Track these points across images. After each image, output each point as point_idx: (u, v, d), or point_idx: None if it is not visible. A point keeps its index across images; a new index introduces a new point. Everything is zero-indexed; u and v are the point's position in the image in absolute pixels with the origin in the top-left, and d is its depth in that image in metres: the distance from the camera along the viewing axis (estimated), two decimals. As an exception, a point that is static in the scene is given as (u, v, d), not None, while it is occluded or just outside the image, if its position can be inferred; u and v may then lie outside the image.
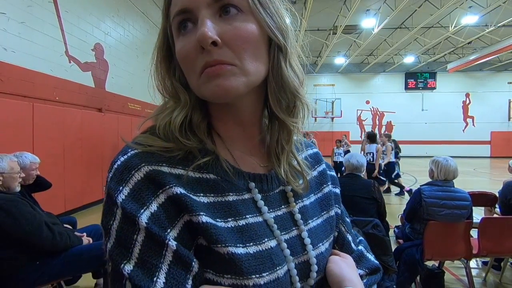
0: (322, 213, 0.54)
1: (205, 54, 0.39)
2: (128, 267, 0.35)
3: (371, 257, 0.57)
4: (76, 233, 2.28)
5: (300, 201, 0.51)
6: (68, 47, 5.46)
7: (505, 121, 18.58)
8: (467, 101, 19.11)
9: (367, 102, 19.43)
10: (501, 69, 18.22)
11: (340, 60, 17.39)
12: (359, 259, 0.55)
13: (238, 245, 0.40)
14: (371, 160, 6.69)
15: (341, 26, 11.23)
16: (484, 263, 3.27)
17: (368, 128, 19.06)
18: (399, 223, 3.77)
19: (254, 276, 0.39)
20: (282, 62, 0.44)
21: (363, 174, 2.90)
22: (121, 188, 0.38)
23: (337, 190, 0.59)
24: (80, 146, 5.44)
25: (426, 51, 15.69)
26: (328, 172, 0.60)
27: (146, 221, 0.36)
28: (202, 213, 0.39)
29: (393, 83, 19.24)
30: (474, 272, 3.24)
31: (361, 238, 0.62)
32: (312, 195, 0.54)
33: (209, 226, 0.39)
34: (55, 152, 4.79)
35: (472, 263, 3.41)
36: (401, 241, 2.83)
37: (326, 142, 16.03)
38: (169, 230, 0.37)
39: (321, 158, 0.61)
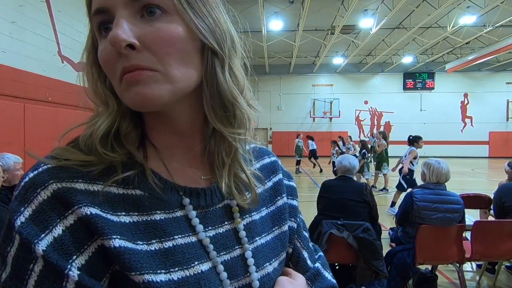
0: (274, 229, 0.49)
1: (123, 58, 0.35)
2: None
3: (328, 275, 0.53)
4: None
5: (247, 216, 0.47)
6: (61, 47, 5.41)
7: (504, 122, 18.57)
8: (466, 101, 19.09)
9: (366, 102, 19.40)
10: (500, 69, 18.20)
11: (338, 60, 17.36)
12: (314, 278, 0.51)
13: (159, 271, 0.36)
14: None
15: (339, 26, 11.19)
16: (479, 266, 3.24)
17: (366, 129, 19.05)
18: (395, 225, 3.74)
19: None
20: (217, 68, 0.40)
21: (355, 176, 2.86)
22: (22, 209, 0.33)
23: (294, 202, 0.55)
24: (73, 147, 5.38)
25: (424, 51, 15.66)
26: (286, 182, 0.55)
27: (44, 248, 0.32)
28: (115, 236, 0.35)
29: (392, 83, 19.21)
30: (468, 276, 3.21)
31: (320, 253, 0.57)
32: (264, 208, 0.50)
33: (123, 251, 0.34)
34: (47, 152, 4.74)
35: (467, 266, 3.38)
36: (393, 244, 2.79)
37: (324, 143, 15.97)
38: (74, 257, 0.33)
39: (279, 167, 0.56)
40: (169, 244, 0.38)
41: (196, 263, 0.39)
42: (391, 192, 7.62)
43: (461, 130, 19.03)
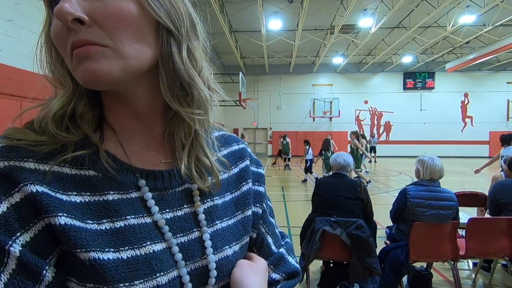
0: (236, 213, 0.50)
1: (72, 33, 0.35)
2: None
3: (291, 260, 0.53)
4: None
5: (209, 200, 0.47)
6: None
7: (504, 121, 18.51)
8: (466, 101, 19.05)
9: (366, 102, 19.38)
10: (500, 69, 18.16)
11: (338, 60, 17.35)
12: (277, 262, 0.52)
13: (107, 249, 0.36)
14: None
15: (338, 25, 11.17)
16: (475, 265, 3.22)
17: (366, 128, 19.03)
18: (391, 224, 3.73)
19: (122, 285, 0.35)
20: (173, 48, 0.40)
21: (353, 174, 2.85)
22: None
23: (261, 188, 0.54)
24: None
25: (424, 51, 15.63)
26: (253, 169, 0.55)
27: None
28: (61, 214, 0.34)
29: (392, 83, 19.19)
30: (463, 274, 3.19)
31: (287, 240, 0.57)
32: (228, 193, 0.50)
33: (68, 228, 0.34)
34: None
35: (463, 264, 3.36)
36: (388, 242, 2.78)
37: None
38: (18, 234, 0.33)
39: (246, 154, 0.56)
40: (120, 224, 0.38)
41: (148, 243, 0.39)
42: (390, 191, 7.59)
43: (461, 130, 19.00)
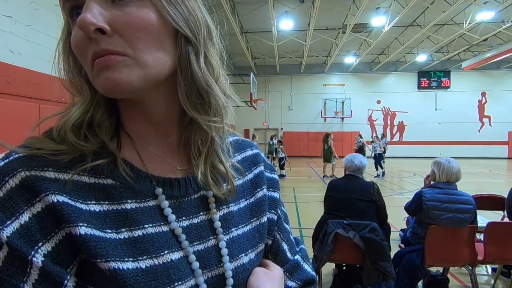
0: (252, 220, 0.49)
1: (93, 43, 0.35)
2: None
3: (307, 267, 0.53)
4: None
5: (224, 207, 0.47)
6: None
7: (524, 121, 17.90)
8: (483, 100, 18.49)
9: (378, 101, 19.07)
10: (520, 66, 17.57)
11: (350, 60, 17.14)
12: (293, 270, 0.51)
13: (127, 259, 0.36)
14: None
15: (350, 24, 11.05)
16: (494, 270, 3.12)
17: (379, 129, 18.73)
18: (405, 226, 3.65)
19: None
20: (191, 56, 0.40)
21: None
22: None
23: (275, 194, 0.54)
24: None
25: (440, 49, 15.26)
26: (267, 174, 0.55)
27: (8, 235, 0.32)
28: (81, 224, 0.35)
29: (405, 82, 18.81)
30: (482, 279, 3.09)
31: (301, 246, 0.57)
32: (243, 200, 0.50)
33: (88, 238, 0.35)
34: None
35: (481, 269, 3.26)
36: (402, 245, 2.72)
37: (336, 143, 15.79)
38: (40, 244, 0.33)
39: (260, 159, 0.55)
40: (138, 232, 0.38)
41: (166, 252, 0.39)
42: (404, 193, 7.44)
43: (479, 130, 18.44)
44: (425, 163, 13.93)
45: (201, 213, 0.44)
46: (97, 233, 0.35)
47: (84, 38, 0.36)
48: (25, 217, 0.33)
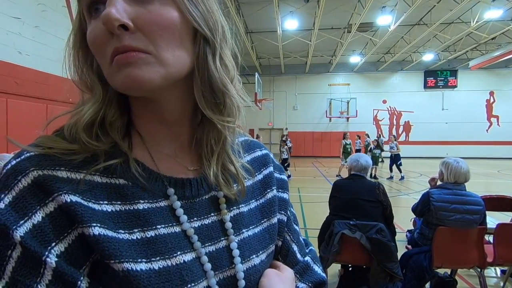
0: (262, 221, 0.49)
1: (115, 39, 0.35)
2: None
3: (317, 269, 0.53)
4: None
5: (235, 208, 0.46)
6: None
7: (533, 121, 17.60)
8: (491, 100, 18.22)
9: (384, 101, 18.92)
10: (529, 65, 17.27)
11: (355, 59, 17.03)
12: (303, 271, 0.51)
13: (140, 260, 0.36)
14: None
15: (355, 24, 10.97)
16: (503, 272, 3.07)
17: (385, 129, 18.58)
18: (412, 227, 3.61)
19: None
20: (208, 55, 0.40)
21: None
22: (2, 196, 0.33)
23: (285, 195, 0.54)
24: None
25: (446, 48, 15.08)
26: (276, 175, 0.54)
27: (22, 235, 0.32)
28: (94, 224, 0.34)
29: (412, 81, 18.63)
30: (491, 282, 3.04)
31: (311, 248, 0.57)
32: (254, 201, 0.50)
33: (102, 239, 0.34)
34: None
35: (490, 271, 3.21)
36: (409, 246, 2.69)
37: (340, 143, 15.75)
38: (53, 244, 0.33)
39: (270, 160, 0.55)
40: (151, 233, 0.38)
41: (178, 253, 0.39)
42: (410, 194, 7.37)
43: (487, 130, 18.18)
44: (431, 163, 13.78)
45: (212, 214, 0.44)
46: (110, 233, 0.35)
47: (105, 33, 0.35)
48: (38, 217, 0.33)
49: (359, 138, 11.73)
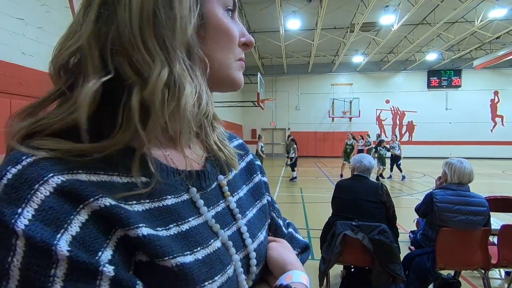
0: (256, 203, 0.54)
1: (242, 49, 0.46)
2: None
3: (300, 237, 0.62)
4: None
5: (235, 193, 0.50)
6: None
7: (538, 121, 17.43)
8: (496, 99, 18.07)
9: (387, 101, 18.83)
10: (534, 65, 17.11)
11: (358, 59, 16.97)
12: (290, 241, 0.58)
13: (185, 253, 0.37)
14: None
15: (358, 23, 10.93)
16: (507, 274, 3.04)
17: (388, 128, 18.49)
18: (415, 228, 3.58)
19: (207, 283, 0.37)
20: None
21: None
22: (19, 210, 0.28)
23: (265, 179, 0.60)
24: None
25: (450, 47, 14.97)
26: (255, 162, 0.61)
27: (68, 248, 0.28)
28: (141, 225, 0.33)
29: (415, 81, 18.53)
30: (495, 283, 3.02)
31: (288, 221, 0.65)
32: (244, 186, 0.54)
33: (152, 238, 0.34)
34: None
35: (494, 273, 3.18)
36: (413, 248, 2.67)
37: (342, 143, 15.70)
38: (100, 253, 0.30)
39: (247, 148, 0.61)
40: (185, 226, 0.39)
41: (211, 241, 0.41)
42: (414, 194, 7.33)
43: (491, 130, 18.03)
44: (435, 163, 13.69)
45: (221, 201, 0.47)
46: (154, 232, 0.35)
47: (239, 40, 0.45)
48: (75, 227, 0.30)
49: (362, 138, 11.67)
